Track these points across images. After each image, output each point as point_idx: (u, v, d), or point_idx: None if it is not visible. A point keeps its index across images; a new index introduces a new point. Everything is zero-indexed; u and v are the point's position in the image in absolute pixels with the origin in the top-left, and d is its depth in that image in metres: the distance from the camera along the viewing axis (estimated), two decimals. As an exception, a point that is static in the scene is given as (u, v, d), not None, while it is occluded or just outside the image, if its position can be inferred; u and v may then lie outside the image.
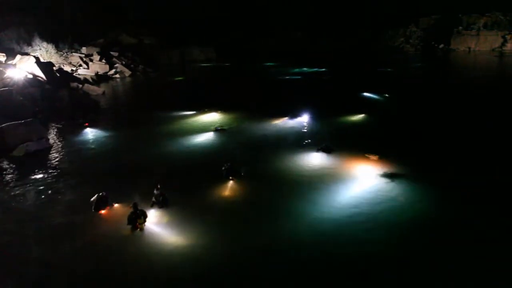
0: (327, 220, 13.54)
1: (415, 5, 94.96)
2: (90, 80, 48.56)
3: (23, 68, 36.97)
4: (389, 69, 57.29)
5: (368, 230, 12.78)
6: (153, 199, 14.66)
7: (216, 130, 25.17)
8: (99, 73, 55.09)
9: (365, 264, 11.15)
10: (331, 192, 15.59)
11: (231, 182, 16.67)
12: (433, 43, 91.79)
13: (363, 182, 16.35)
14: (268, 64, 68.88)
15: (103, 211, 14.51)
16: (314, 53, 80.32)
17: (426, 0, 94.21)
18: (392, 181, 16.33)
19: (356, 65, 63.16)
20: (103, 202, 14.67)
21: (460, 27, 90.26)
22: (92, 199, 14.75)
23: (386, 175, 16.86)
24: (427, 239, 12.35)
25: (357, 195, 15.24)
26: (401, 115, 29.20)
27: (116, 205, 14.89)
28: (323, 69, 58.28)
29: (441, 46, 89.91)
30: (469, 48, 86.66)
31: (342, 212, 13.96)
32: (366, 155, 19.12)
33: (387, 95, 35.59)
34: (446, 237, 12.42)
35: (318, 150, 20.39)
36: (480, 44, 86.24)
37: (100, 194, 14.77)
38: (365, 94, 36.34)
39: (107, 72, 57.08)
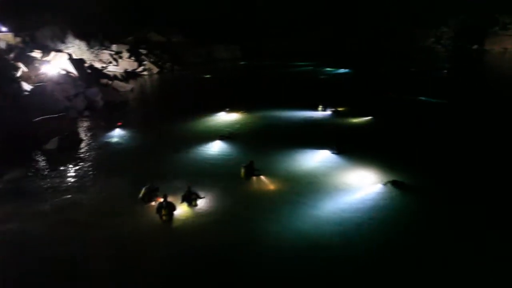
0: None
1: (447, 5, 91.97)
2: (119, 76, 49.74)
3: (56, 65, 38.26)
4: (412, 69, 55.20)
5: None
6: (184, 197, 14.71)
7: (221, 138, 23.09)
8: (127, 70, 56.31)
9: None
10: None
11: (251, 180, 17.03)
12: (465, 43, 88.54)
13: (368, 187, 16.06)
14: (298, 63, 67.87)
15: (153, 203, 14.56)
16: (343, 54, 78.42)
17: (459, 0, 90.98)
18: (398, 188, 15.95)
19: (385, 65, 61.51)
20: (153, 193, 14.89)
21: (496, 27, 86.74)
22: (142, 191, 14.96)
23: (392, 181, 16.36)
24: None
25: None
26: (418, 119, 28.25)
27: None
28: (349, 70, 57.28)
29: (475, 46, 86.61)
30: (505, 48, 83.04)
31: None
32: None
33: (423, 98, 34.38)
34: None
35: (331, 151, 20.14)
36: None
37: (150, 186, 15.01)
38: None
39: (135, 69, 58.28)
